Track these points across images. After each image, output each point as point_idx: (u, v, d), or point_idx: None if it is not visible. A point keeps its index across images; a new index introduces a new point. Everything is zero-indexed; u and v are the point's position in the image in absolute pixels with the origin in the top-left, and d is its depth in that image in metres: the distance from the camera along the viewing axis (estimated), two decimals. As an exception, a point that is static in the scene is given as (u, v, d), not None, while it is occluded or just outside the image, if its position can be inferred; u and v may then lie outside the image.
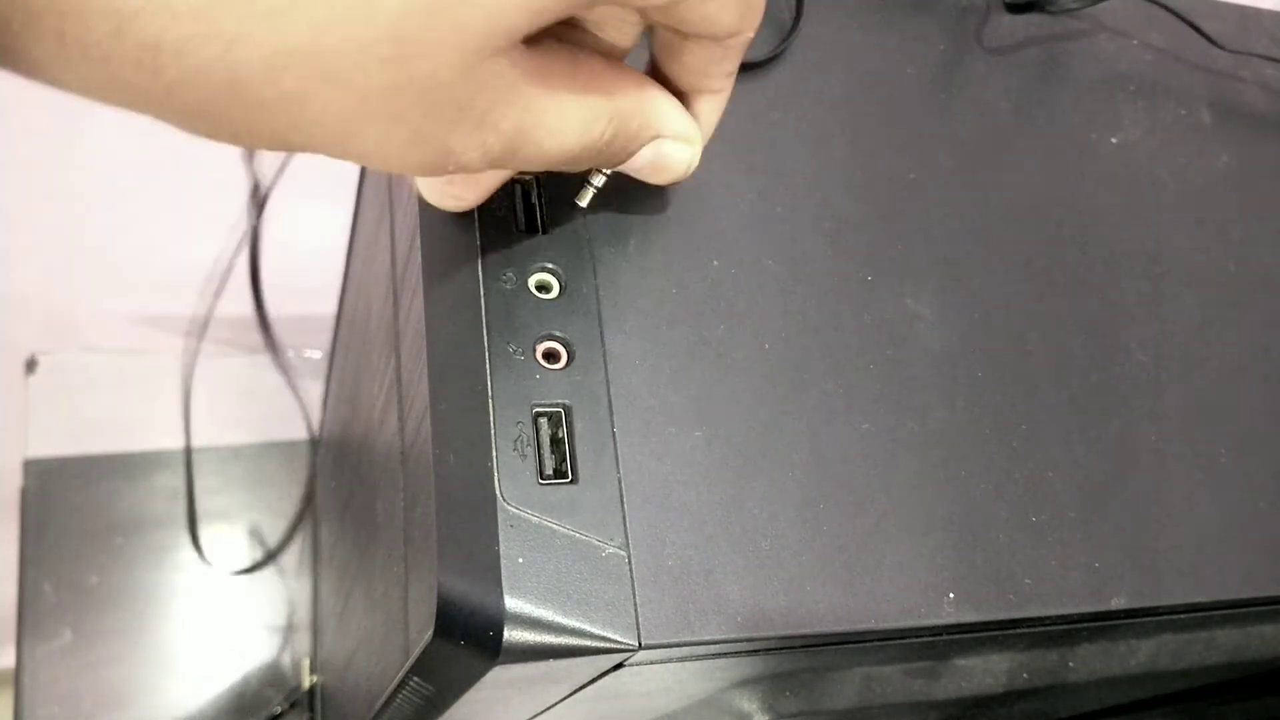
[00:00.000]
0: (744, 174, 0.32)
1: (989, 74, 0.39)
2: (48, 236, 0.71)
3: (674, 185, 0.31)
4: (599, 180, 0.28)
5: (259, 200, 0.53)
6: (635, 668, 0.26)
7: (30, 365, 0.76)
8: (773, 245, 0.31)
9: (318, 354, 0.79)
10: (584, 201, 0.28)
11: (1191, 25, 0.43)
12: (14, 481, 0.72)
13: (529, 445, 0.25)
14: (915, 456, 0.29)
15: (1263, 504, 0.33)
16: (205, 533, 0.74)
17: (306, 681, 0.69)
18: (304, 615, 0.74)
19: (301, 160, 0.37)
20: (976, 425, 0.31)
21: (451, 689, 0.27)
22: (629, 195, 0.30)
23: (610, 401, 0.27)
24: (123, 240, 0.72)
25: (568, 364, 0.27)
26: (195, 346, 0.67)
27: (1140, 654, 0.35)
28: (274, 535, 0.76)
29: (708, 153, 0.32)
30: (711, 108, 0.27)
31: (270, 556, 0.75)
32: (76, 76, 0.15)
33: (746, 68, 0.35)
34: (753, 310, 0.30)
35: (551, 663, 0.24)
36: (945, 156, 0.36)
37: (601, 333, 0.27)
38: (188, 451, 0.72)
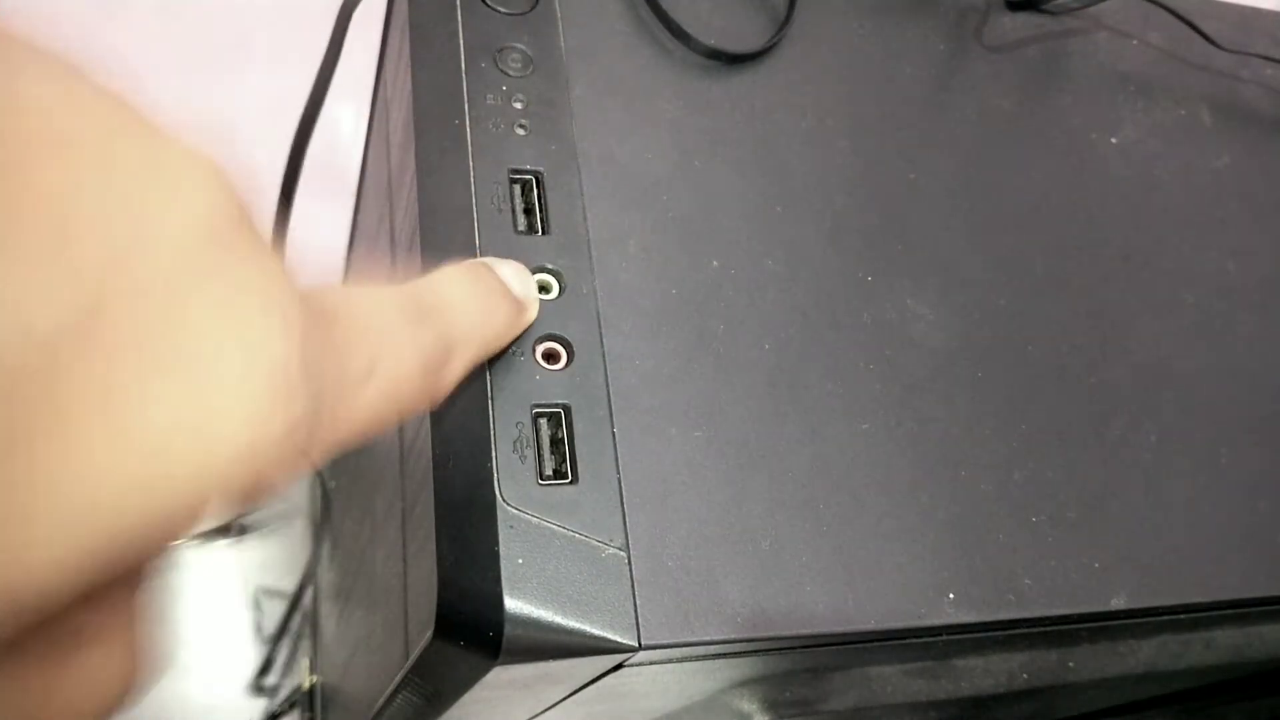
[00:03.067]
0: (743, 174, 0.32)
1: (989, 74, 0.39)
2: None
3: (670, 187, 0.31)
4: None
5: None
6: (635, 668, 0.26)
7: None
8: (773, 245, 0.31)
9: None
10: None
11: (1191, 25, 0.43)
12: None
13: (529, 446, 0.25)
14: (915, 456, 0.29)
15: (1263, 504, 0.33)
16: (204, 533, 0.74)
17: (306, 681, 0.69)
18: (304, 616, 0.73)
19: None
20: (976, 425, 0.31)
21: (451, 689, 0.27)
22: (629, 195, 0.30)
23: (610, 401, 0.27)
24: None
25: (568, 364, 0.27)
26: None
27: (1140, 654, 0.34)
28: (274, 536, 0.76)
29: (709, 152, 0.33)
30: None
31: (270, 557, 0.75)
32: None
33: (741, 59, 0.35)
34: (753, 310, 0.30)
35: (551, 663, 0.24)
36: (945, 156, 0.36)
37: (601, 333, 0.27)
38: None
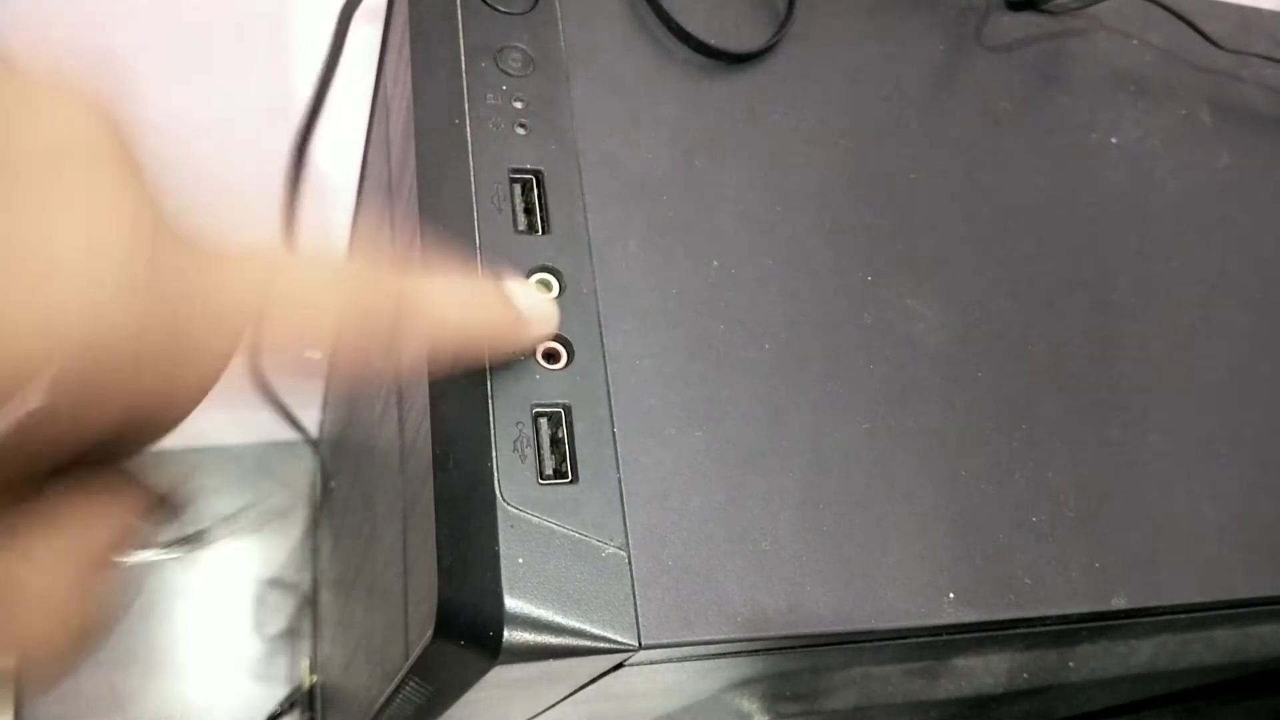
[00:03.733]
0: (743, 174, 0.32)
1: (989, 74, 0.39)
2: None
3: (670, 187, 0.31)
4: None
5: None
6: (635, 668, 0.26)
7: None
8: (773, 245, 0.31)
9: (317, 354, 0.79)
10: None
11: (1191, 25, 0.43)
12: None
13: (529, 446, 0.25)
14: (915, 456, 0.29)
15: (1263, 504, 0.33)
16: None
17: (306, 681, 0.69)
18: (304, 615, 0.74)
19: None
20: (976, 425, 0.31)
21: (451, 689, 0.27)
22: (629, 195, 0.30)
23: (610, 401, 0.27)
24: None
25: (568, 364, 0.27)
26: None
27: (1140, 654, 0.35)
28: (274, 536, 0.76)
29: (709, 152, 0.33)
30: None
31: (270, 557, 0.75)
32: None
33: (741, 59, 0.35)
34: (753, 310, 0.30)
35: (551, 663, 0.24)
36: (945, 156, 0.36)
37: (601, 333, 0.27)
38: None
